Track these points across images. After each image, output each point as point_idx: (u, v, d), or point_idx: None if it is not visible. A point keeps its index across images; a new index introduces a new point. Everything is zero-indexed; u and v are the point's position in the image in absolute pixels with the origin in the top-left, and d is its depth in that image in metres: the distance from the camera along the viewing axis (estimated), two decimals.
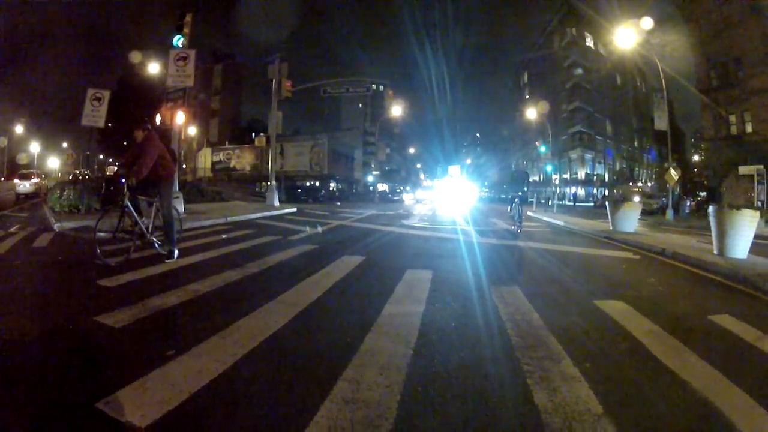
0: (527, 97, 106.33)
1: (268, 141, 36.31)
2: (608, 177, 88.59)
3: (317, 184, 79.44)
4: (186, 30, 25.02)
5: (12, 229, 15.64)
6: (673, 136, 63.88)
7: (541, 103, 70.17)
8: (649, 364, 4.60)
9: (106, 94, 24.82)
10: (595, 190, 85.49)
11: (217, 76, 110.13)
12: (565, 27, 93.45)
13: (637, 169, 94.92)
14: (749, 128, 44.38)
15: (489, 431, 3.27)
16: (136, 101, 47.33)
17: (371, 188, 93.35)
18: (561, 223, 24.92)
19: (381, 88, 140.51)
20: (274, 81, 32.76)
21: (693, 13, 51.02)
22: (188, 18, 25.24)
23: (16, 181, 46.30)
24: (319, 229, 17.64)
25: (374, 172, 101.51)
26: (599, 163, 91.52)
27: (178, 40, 25.04)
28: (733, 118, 46.96)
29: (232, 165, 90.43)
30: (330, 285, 7.65)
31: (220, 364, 4.19)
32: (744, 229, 12.27)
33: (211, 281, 7.66)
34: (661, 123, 42.94)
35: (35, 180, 46.00)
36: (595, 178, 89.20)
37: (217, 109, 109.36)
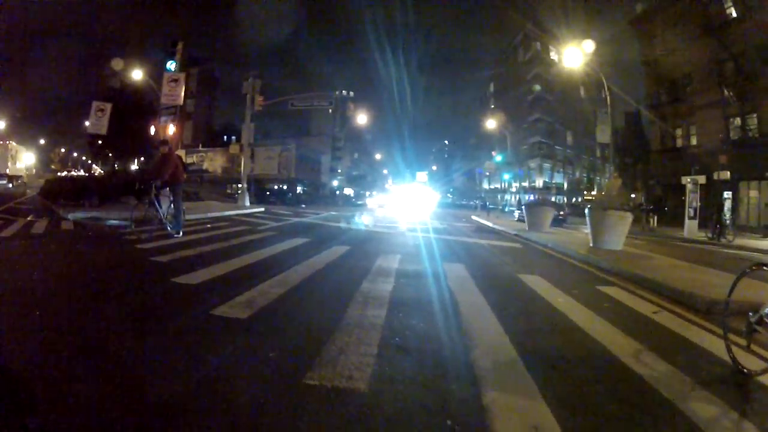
0: (492, 107, 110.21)
1: (241, 148, 40.21)
2: (567, 185, 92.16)
3: (285, 187, 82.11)
4: (178, 56, 29.64)
5: (29, 218, 19.66)
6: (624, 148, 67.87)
7: (499, 115, 74.41)
8: (508, 273, 9.10)
9: (108, 107, 29.57)
10: (553, 198, 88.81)
11: (192, 80, 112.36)
12: (529, 41, 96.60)
13: (599, 178, 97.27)
14: (694, 141, 48.02)
15: (425, 302, 7.36)
16: (124, 110, 51.54)
17: (336, 192, 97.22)
18: (490, 224, 29.67)
19: (351, 93, 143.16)
20: (248, 96, 36.60)
21: (646, 31, 54.78)
22: (179, 46, 29.88)
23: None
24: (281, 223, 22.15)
25: (339, 177, 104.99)
26: (558, 172, 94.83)
27: (170, 65, 29.66)
28: (679, 132, 50.52)
29: (204, 167, 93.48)
30: (280, 250, 12.31)
31: (224, 271, 8.77)
32: (614, 226, 16.20)
33: (208, 247, 12.31)
34: (604, 136, 47.35)
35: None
36: (553, 186, 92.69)
37: (192, 111, 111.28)
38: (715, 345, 5.63)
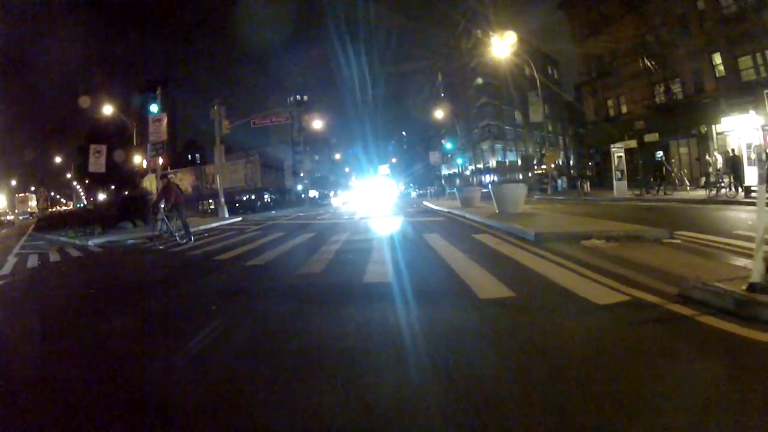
0: (442, 95, 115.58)
1: (215, 168, 45.80)
2: (520, 162, 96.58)
3: (252, 197, 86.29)
4: (158, 99, 35.15)
5: (53, 250, 22.27)
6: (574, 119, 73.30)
7: (447, 103, 79.76)
8: (419, 240, 14.72)
9: (104, 148, 35.08)
10: (508, 176, 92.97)
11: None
12: (470, 30, 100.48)
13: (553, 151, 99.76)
14: (624, 109, 53.06)
15: (356, 250, 13.08)
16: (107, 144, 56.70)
17: (302, 195, 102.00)
18: (433, 206, 35.34)
19: (305, 98, 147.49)
20: (215, 121, 41.16)
21: (574, 11, 59.40)
22: (159, 90, 35.36)
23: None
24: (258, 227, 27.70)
25: (302, 181, 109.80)
26: (510, 150, 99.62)
27: (153, 108, 35.19)
28: (610, 102, 55.67)
29: None
30: (267, 240, 17.77)
31: (238, 253, 14.42)
32: (510, 195, 21.55)
33: (219, 245, 17.90)
34: (537, 117, 53.35)
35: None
36: (507, 164, 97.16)
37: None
38: (510, 252, 11.23)
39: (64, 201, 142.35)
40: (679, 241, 11.08)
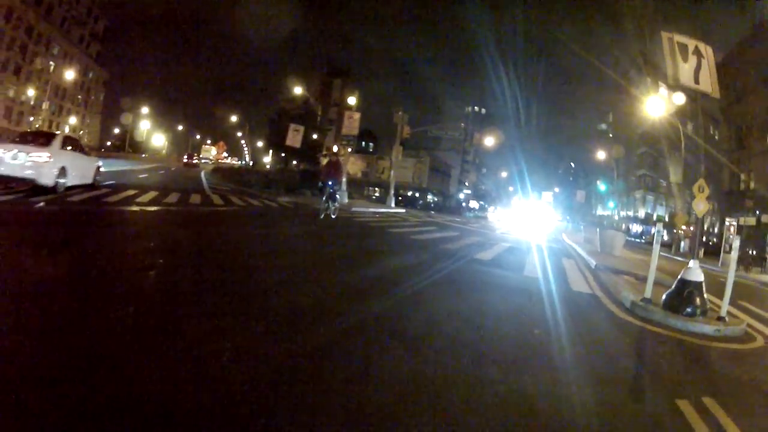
0: (610, 135, 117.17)
1: (391, 163, 52.56)
2: (667, 217, 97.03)
3: (417, 194, 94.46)
4: (355, 101, 42.59)
5: (244, 197, 29.47)
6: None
7: (616, 147, 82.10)
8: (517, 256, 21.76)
9: (302, 129, 43.27)
10: (653, 229, 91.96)
11: (335, 89, 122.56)
12: (640, 77, 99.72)
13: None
14: (752, 185, 52.05)
15: (476, 245, 20.53)
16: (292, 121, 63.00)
17: (463, 204, 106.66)
18: (565, 238, 40.75)
19: (483, 110, 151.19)
20: (398, 126, 47.46)
21: (721, 78, 59.42)
22: (356, 94, 42.85)
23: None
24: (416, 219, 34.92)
25: (466, 190, 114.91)
26: (660, 204, 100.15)
27: (350, 100, 44.36)
28: (744, 176, 54.61)
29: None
30: (423, 230, 25.28)
31: (406, 230, 22.19)
32: (610, 239, 26.80)
33: (385, 223, 25.72)
34: (675, 177, 55.81)
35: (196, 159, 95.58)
36: (654, 217, 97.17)
37: (334, 118, 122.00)
38: (567, 266, 18.66)
39: (227, 155, 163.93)
40: None
